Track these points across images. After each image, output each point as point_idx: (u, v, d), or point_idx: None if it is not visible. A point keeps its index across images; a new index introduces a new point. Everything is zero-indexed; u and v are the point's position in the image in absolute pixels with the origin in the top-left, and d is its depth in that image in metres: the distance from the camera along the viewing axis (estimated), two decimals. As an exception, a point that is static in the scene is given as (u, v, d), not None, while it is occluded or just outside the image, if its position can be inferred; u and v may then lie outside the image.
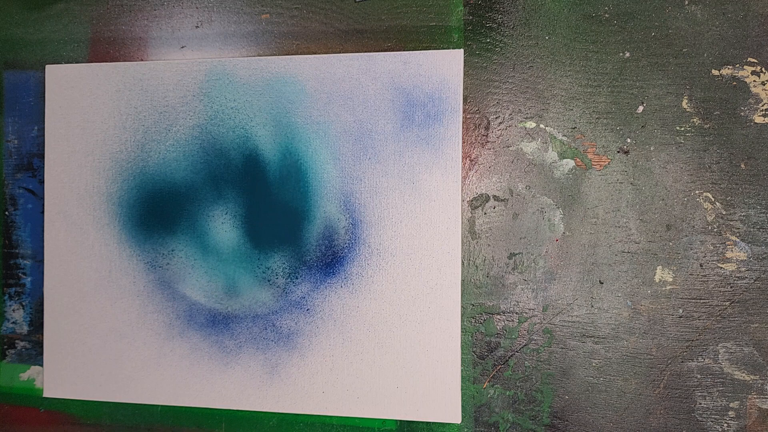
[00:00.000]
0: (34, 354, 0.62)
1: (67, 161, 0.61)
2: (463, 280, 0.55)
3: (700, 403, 0.51)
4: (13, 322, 0.62)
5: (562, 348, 0.54)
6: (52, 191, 0.61)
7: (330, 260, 0.56)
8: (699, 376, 0.52)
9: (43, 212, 0.62)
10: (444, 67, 0.55)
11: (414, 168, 0.55)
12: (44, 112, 0.61)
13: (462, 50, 0.54)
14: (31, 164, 0.62)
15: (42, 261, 0.62)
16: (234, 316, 0.58)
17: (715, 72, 0.52)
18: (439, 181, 0.55)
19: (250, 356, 0.58)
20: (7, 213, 0.62)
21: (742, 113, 0.52)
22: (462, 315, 0.55)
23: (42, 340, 0.62)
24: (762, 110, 0.52)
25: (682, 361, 0.52)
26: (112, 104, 0.60)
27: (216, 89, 0.58)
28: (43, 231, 0.62)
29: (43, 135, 0.61)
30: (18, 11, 0.62)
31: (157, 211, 0.60)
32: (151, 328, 0.59)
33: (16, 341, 0.62)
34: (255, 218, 0.57)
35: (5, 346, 0.62)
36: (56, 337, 0.61)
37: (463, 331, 0.55)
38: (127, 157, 0.60)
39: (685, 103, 0.52)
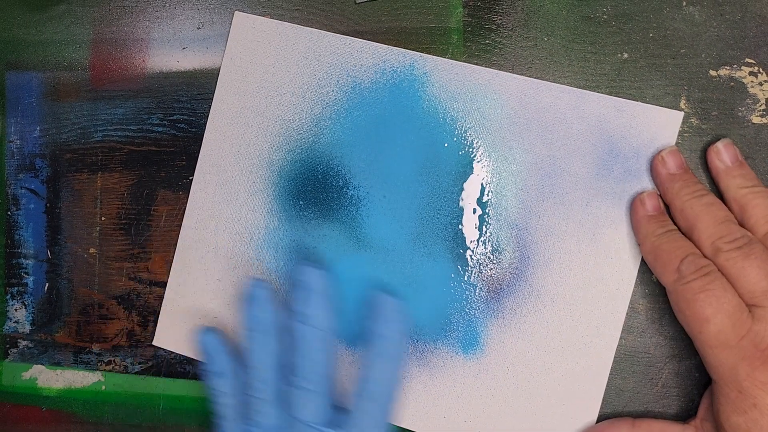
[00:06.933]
0: (36, 353, 0.62)
1: (234, 115, 0.57)
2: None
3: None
4: (15, 322, 0.62)
5: (561, 347, 0.54)
6: (211, 142, 0.57)
7: (486, 288, 0.54)
8: (698, 375, 0.52)
9: (45, 212, 0.62)
10: (658, 126, 0.51)
11: (598, 220, 0.52)
12: (48, 113, 0.61)
13: (682, 113, 0.52)
14: (33, 164, 0.62)
15: (44, 261, 0.62)
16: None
17: (712, 73, 0.52)
18: (622, 240, 0.52)
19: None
20: (9, 213, 0.63)
21: (740, 114, 0.52)
22: None
23: (45, 339, 0.62)
24: (759, 111, 0.52)
25: (681, 360, 0.52)
26: (296, 69, 0.56)
27: (409, 83, 0.54)
28: (45, 231, 0.62)
29: (45, 135, 0.61)
30: (20, 13, 0.62)
31: (317, 191, 0.56)
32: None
33: (19, 340, 0.62)
34: (419, 226, 0.55)
35: (7, 346, 0.63)
36: (175, 294, 0.58)
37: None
38: (298, 128, 0.56)
39: (683, 104, 0.53)
